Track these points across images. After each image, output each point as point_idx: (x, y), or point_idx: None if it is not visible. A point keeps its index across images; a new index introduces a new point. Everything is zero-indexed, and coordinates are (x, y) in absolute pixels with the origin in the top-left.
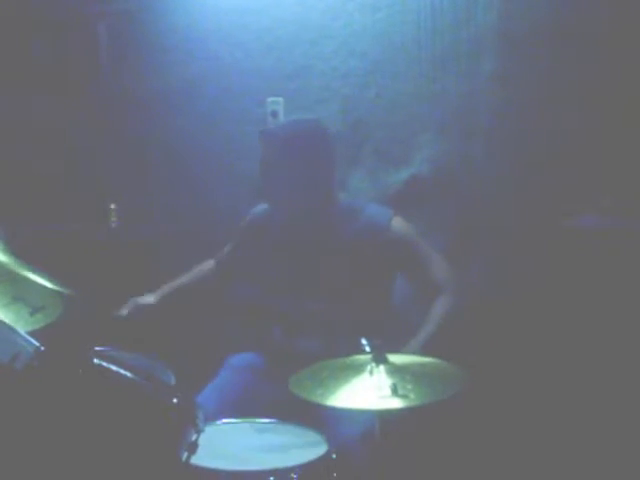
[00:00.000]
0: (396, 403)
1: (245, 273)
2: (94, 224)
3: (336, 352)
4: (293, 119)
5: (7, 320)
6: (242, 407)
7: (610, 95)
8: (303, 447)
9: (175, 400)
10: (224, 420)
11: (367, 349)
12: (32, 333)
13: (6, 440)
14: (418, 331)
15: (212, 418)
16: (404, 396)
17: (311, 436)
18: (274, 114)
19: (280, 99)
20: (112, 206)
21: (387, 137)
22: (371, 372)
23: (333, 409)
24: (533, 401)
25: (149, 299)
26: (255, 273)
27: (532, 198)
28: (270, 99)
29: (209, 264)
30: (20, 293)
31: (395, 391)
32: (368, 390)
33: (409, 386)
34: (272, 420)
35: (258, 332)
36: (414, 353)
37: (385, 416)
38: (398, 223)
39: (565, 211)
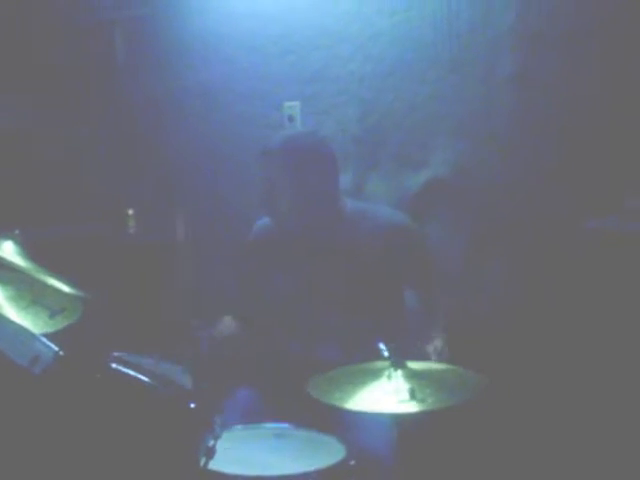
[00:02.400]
0: (414, 407)
1: (259, 286)
2: (112, 229)
3: (354, 360)
4: (290, 135)
5: (26, 322)
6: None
7: (632, 95)
8: (321, 453)
9: (192, 405)
10: (241, 426)
11: (385, 354)
12: (51, 336)
13: (24, 443)
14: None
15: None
16: (422, 400)
17: (329, 442)
18: (291, 118)
19: (297, 103)
20: (130, 211)
21: (405, 140)
22: (389, 377)
23: (352, 415)
24: (553, 405)
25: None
26: (268, 287)
27: (553, 199)
28: (287, 103)
29: (228, 323)
30: (39, 296)
31: (413, 395)
32: (386, 394)
33: (427, 390)
34: (290, 426)
35: (273, 346)
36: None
37: (403, 422)
38: (411, 225)
39: (587, 213)
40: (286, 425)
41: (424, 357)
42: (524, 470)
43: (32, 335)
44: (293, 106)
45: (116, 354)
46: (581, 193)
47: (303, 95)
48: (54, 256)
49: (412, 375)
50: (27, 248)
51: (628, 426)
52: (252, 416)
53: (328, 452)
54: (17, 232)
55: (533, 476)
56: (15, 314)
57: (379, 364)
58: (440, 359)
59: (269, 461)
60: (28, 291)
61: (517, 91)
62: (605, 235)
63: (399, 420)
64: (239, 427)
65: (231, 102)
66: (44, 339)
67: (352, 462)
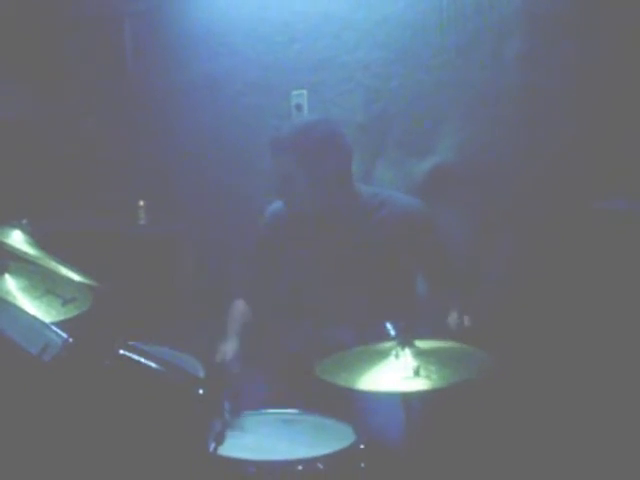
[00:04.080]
0: (418, 384)
1: (273, 270)
2: (123, 221)
3: (367, 340)
4: (301, 123)
5: (39, 311)
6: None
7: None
8: (331, 437)
9: (201, 391)
10: (250, 411)
11: (392, 333)
12: (63, 324)
13: (35, 429)
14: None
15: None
16: (427, 377)
17: (339, 427)
18: (298, 107)
19: (304, 92)
20: (141, 203)
21: (411, 127)
22: (397, 355)
23: (361, 399)
24: (560, 383)
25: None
26: (281, 270)
27: (561, 182)
28: (294, 92)
29: (241, 308)
30: (51, 286)
31: (417, 373)
32: (392, 373)
33: (432, 368)
34: (299, 411)
35: (285, 327)
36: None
37: (410, 400)
38: (426, 210)
39: (595, 194)
40: (295, 410)
41: (444, 332)
42: (531, 450)
43: (43, 324)
44: (300, 94)
45: (126, 342)
46: (588, 174)
47: (309, 83)
48: (65, 248)
49: (420, 353)
50: (36, 239)
51: (635, 404)
52: (260, 402)
53: (337, 437)
54: (25, 221)
55: (539, 455)
56: (28, 304)
57: (388, 344)
58: (460, 332)
59: (278, 446)
60: (41, 281)
61: (524, 75)
62: (612, 216)
63: (406, 399)
64: (248, 413)
65: (238, 92)
66: (54, 327)
67: (362, 446)
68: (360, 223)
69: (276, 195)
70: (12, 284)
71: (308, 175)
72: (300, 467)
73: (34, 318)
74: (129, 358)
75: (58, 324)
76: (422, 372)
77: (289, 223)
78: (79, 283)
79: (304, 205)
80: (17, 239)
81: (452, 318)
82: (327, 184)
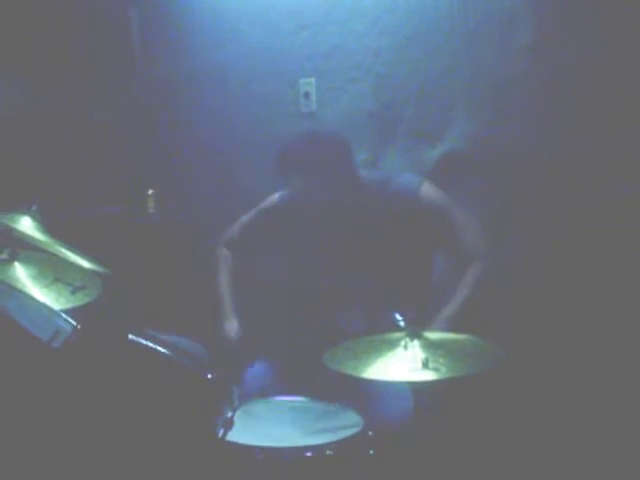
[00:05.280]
0: (427, 376)
1: (280, 255)
2: (133, 209)
3: (376, 329)
4: (307, 134)
5: (49, 298)
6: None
7: None
8: (340, 424)
9: (210, 376)
10: (259, 400)
11: (401, 324)
12: (72, 311)
13: (43, 415)
14: (446, 305)
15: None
16: (435, 369)
17: (348, 414)
18: (306, 95)
19: (312, 80)
20: (150, 192)
21: (420, 114)
22: (405, 347)
23: (369, 387)
24: (572, 373)
25: (234, 329)
26: (291, 255)
27: (570, 168)
28: (302, 80)
29: (227, 255)
30: (61, 274)
31: (426, 364)
32: (401, 363)
33: (441, 360)
34: (307, 399)
35: (293, 315)
36: (442, 329)
37: (420, 392)
38: (428, 188)
39: (603, 179)
40: (304, 398)
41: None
42: (536, 438)
43: (52, 311)
44: (309, 82)
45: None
46: (597, 159)
47: (318, 71)
48: (75, 237)
49: (429, 345)
50: (45, 225)
51: None
52: (268, 388)
53: (346, 424)
54: (34, 208)
55: (547, 446)
56: (38, 292)
57: (397, 334)
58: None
59: (287, 433)
60: (50, 269)
61: (534, 61)
62: (622, 200)
63: (415, 389)
64: (257, 401)
65: (246, 80)
66: (64, 314)
67: (370, 433)
68: (362, 210)
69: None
70: (22, 272)
71: (307, 183)
72: (309, 454)
73: (43, 305)
74: (138, 343)
75: (68, 312)
76: (430, 364)
77: (298, 209)
78: (88, 271)
79: (311, 199)
80: (26, 225)
81: (442, 315)
82: (335, 183)
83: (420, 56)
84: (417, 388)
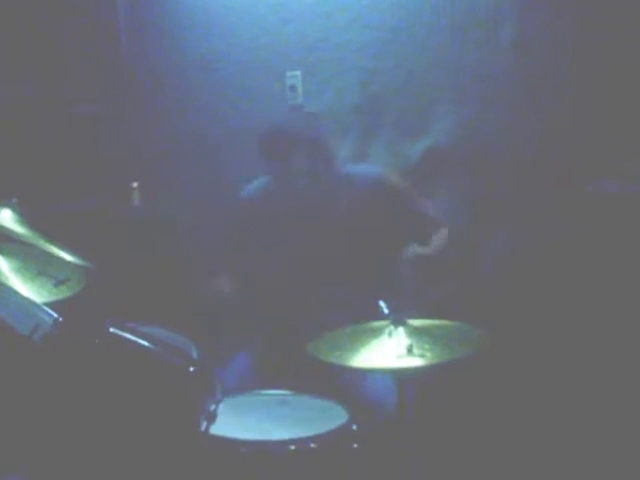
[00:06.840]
0: (412, 362)
1: (255, 249)
2: (117, 202)
3: (358, 318)
4: (298, 112)
5: (32, 292)
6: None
7: (633, 60)
8: (323, 418)
9: (192, 369)
10: (243, 393)
11: (385, 311)
12: (54, 304)
13: (25, 408)
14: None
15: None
16: (420, 355)
17: (332, 407)
18: (292, 88)
19: (298, 73)
20: (134, 184)
21: (405, 108)
22: (390, 334)
23: (354, 378)
24: (553, 366)
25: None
26: (265, 248)
27: (554, 165)
28: (288, 73)
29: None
30: (44, 267)
31: (411, 351)
32: (385, 351)
33: (426, 346)
34: (292, 392)
35: (274, 307)
36: (409, 261)
37: (404, 379)
38: (389, 172)
39: (587, 177)
40: (287, 392)
41: (431, 302)
42: (525, 427)
43: (33, 304)
44: (295, 76)
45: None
46: (581, 157)
47: (304, 64)
48: (58, 229)
49: (413, 332)
50: (25, 218)
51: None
52: (250, 381)
53: (330, 417)
54: (15, 200)
55: (533, 432)
56: (20, 285)
57: (380, 323)
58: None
59: (270, 427)
60: (33, 262)
61: (518, 56)
62: (604, 198)
63: (400, 377)
64: (241, 394)
65: (232, 73)
66: (45, 307)
67: (354, 427)
68: (336, 206)
69: (270, 175)
70: (4, 265)
71: (281, 168)
72: (292, 447)
73: (24, 298)
74: (120, 336)
75: (50, 305)
76: (415, 350)
77: (269, 204)
78: (72, 264)
79: (297, 183)
80: (6, 217)
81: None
82: (300, 178)
83: (405, 50)
84: (402, 379)
